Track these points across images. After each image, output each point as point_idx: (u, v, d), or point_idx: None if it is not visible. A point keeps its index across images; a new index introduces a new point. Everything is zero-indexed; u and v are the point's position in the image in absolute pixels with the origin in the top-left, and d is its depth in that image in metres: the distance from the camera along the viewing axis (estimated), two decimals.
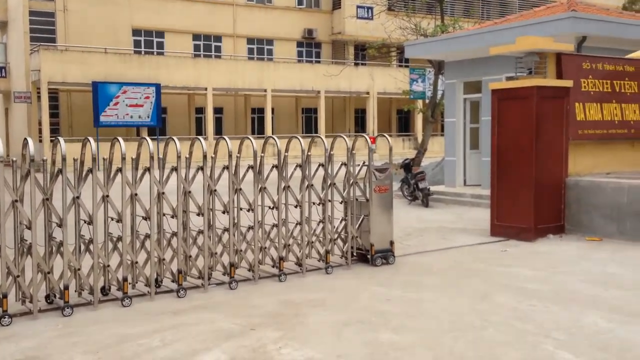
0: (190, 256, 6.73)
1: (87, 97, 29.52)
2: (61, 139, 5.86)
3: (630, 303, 5.90)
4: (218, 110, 35.58)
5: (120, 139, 6.24)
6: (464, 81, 15.22)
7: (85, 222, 6.02)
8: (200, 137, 6.98)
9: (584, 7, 14.36)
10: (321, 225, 7.58)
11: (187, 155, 6.72)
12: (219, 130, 35.24)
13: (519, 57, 9.93)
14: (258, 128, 37.24)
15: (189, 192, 6.62)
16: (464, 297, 6.18)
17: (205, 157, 6.61)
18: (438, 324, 5.33)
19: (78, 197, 5.90)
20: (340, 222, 7.79)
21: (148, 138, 6.35)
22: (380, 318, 5.51)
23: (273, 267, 7.21)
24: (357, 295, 6.33)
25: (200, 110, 34.84)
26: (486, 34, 13.89)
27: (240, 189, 6.87)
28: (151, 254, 6.34)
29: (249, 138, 7.15)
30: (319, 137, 7.73)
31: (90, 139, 6.04)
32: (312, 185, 7.39)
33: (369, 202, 7.69)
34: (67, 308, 5.72)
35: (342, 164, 7.68)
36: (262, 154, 7.21)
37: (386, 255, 7.77)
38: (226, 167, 6.80)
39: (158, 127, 29.92)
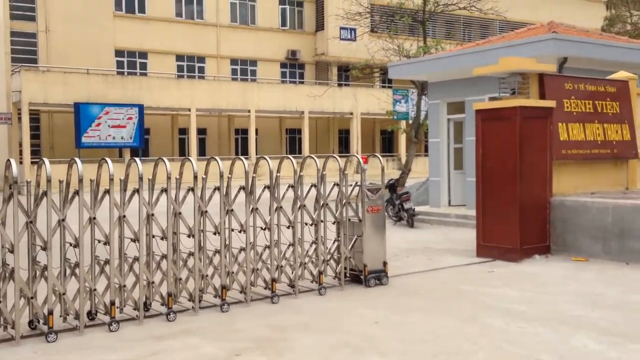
0: (181, 279, 6.60)
1: (68, 118, 29.26)
2: (46, 160, 5.75)
3: (618, 324, 5.86)
4: (201, 131, 35.45)
5: (108, 160, 6.13)
6: (447, 102, 15.31)
7: (71, 245, 5.89)
8: (190, 157, 6.89)
9: (564, 29, 14.57)
10: (314, 246, 7.51)
11: (178, 176, 6.62)
12: (202, 151, 35.09)
13: (502, 77, 10.00)
14: (242, 149, 37.14)
15: (179, 213, 6.51)
16: (452, 319, 6.10)
17: (195, 177, 6.50)
18: (426, 348, 5.24)
19: (63, 220, 5.77)
20: (333, 242, 7.73)
21: (137, 159, 6.28)
22: (368, 342, 5.41)
23: (265, 288, 7.11)
24: (344, 318, 6.23)
25: (183, 131, 34.68)
26: (469, 54, 14.02)
27: (232, 210, 6.78)
28: (140, 276, 6.21)
29: (240, 159, 7.09)
30: (312, 157, 7.74)
31: (77, 160, 5.91)
32: (304, 205, 7.33)
33: (361, 223, 7.65)
34: (51, 334, 5.55)
35: (334, 184, 7.65)
36: (254, 175, 7.14)
37: (379, 276, 7.72)
38: (217, 188, 6.73)
39: (141, 148, 29.71)
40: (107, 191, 5.93)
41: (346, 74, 38.41)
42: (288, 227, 7.27)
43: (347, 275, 7.76)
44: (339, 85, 38.46)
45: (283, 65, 39.95)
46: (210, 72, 36.96)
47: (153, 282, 6.42)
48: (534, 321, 5.97)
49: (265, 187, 7.16)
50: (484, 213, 9.72)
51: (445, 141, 15.28)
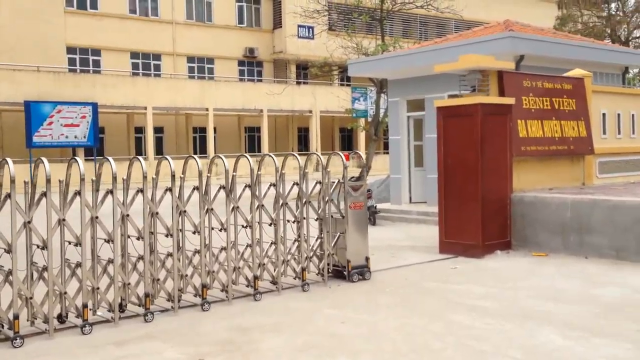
0: (159, 279, 6.49)
1: (19, 117, 28.28)
2: (9, 160, 5.49)
3: (582, 318, 5.93)
4: (158, 130, 34.80)
5: (78, 159, 5.95)
6: (407, 99, 15.37)
7: (38, 247, 5.67)
8: (167, 157, 6.74)
9: (520, 27, 14.79)
10: (295, 243, 7.53)
11: (154, 176, 6.49)
12: (159, 150, 34.46)
13: (463, 75, 10.06)
14: (200, 147, 36.64)
15: (157, 213, 6.39)
16: (418, 317, 6.07)
17: (173, 177, 6.37)
18: (394, 346, 5.18)
19: (29, 222, 5.55)
20: (316, 240, 7.75)
21: (111, 159, 6.12)
22: (335, 342, 5.32)
23: (247, 286, 7.11)
24: (311, 318, 6.12)
25: (139, 130, 33.99)
26: (428, 52, 14.09)
27: (212, 209, 6.72)
28: (115, 278, 6.04)
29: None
30: (294, 154, 7.83)
31: (44, 159, 5.65)
32: (286, 203, 7.35)
33: (344, 219, 7.70)
34: (17, 339, 5.34)
35: (316, 182, 7.72)
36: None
37: (362, 271, 7.82)
38: (196, 188, 6.65)
39: (95, 148, 28.97)
40: (78, 192, 5.76)
41: (305, 72, 38.35)
42: (270, 225, 7.24)
43: (330, 271, 7.80)
44: (298, 83, 38.34)
45: (241, 63, 39.59)
46: (167, 70, 36.32)
47: (129, 284, 6.25)
48: (499, 317, 5.99)
49: (245, 186, 7.12)
50: (446, 210, 9.76)
51: (405, 138, 15.34)
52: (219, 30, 38.24)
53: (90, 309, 5.92)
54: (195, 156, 7.10)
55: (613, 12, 33.53)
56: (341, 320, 6.04)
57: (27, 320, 5.77)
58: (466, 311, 6.24)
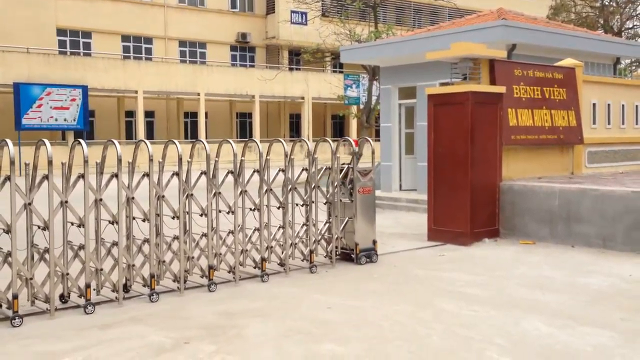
0: (164, 261, 6.56)
1: (8, 99, 28.01)
2: (9, 142, 5.49)
3: (567, 306, 5.97)
4: (149, 114, 34.61)
5: (82, 141, 5.99)
6: (398, 87, 15.34)
7: (39, 227, 5.71)
8: (175, 140, 6.82)
9: (513, 15, 14.76)
10: (304, 227, 7.69)
11: (160, 160, 6.53)
12: (150, 135, 34.29)
13: (454, 63, 10.03)
14: (191, 132, 36.49)
15: (163, 196, 6.45)
16: (406, 304, 6.09)
17: (180, 160, 6.48)
18: (381, 333, 5.19)
19: (30, 204, 5.59)
20: (325, 224, 7.93)
21: (116, 142, 6.23)
22: (321, 328, 5.33)
23: (255, 268, 7.27)
24: (298, 304, 6.13)
25: (130, 114, 33.77)
26: (421, 40, 14.05)
27: (220, 193, 6.82)
28: (119, 259, 6.10)
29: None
30: (304, 140, 8.07)
31: (46, 141, 5.73)
32: (295, 187, 7.52)
33: (353, 203, 7.88)
34: (16, 318, 5.40)
35: (325, 168, 7.97)
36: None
37: (370, 254, 8.04)
38: (204, 173, 6.71)
39: (85, 131, 28.78)
40: (82, 175, 5.80)
41: (297, 58, 38.17)
42: (279, 208, 7.40)
43: (338, 254, 7.99)
44: (290, 69, 38.17)
45: (233, 48, 39.34)
46: (158, 54, 36.04)
47: (134, 265, 6.32)
48: (486, 305, 6.02)
49: (254, 171, 7.23)
50: (435, 197, 9.77)
51: (396, 126, 15.33)
52: (212, 14, 37.93)
53: (93, 289, 6.02)
54: (203, 140, 7.22)
55: (606, 3, 33.53)
56: (328, 305, 6.04)
57: (28, 301, 5.83)
58: (454, 298, 6.27)
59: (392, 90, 15.37)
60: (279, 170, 7.69)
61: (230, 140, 7.27)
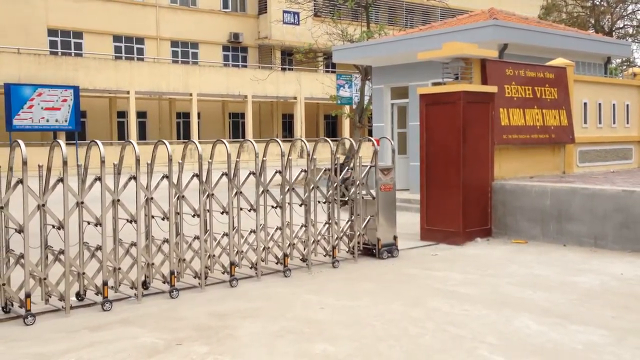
0: (184, 259, 6.79)
1: None
2: (21, 142, 5.55)
3: (558, 305, 5.99)
4: (141, 115, 34.51)
5: (99, 142, 6.06)
6: (391, 86, 15.37)
7: (54, 227, 5.81)
8: (195, 140, 6.97)
9: (504, 15, 14.82)
10: (326, 226, 7.99)
11: (180, 161, 6.80)
12: (142, 135, 34.20)
13: (446, 63, 10.05)
14: (184, 133, 36.40)
15: (183, 196, 6.65)
16: (398, 303, 6.10)
17: (200, 157, 6.77)
18: (373, 332, 5.20)
19: (44, 205, 5.68)
20: (347, 222, 8.30)
21: (134, 142, 6.37)
22: (313, 327, 5.33)
23: (277, 263, 7.51)
24: (290, 304, 6.12)
25: (122, 114, 33.66)
26: (412, 40, 14.08)
27: (241, 192, 7.05)
28: (138, 258, 6.25)
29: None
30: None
31: (60, 142, 5.80)
32: (317, 187, 7.81)
33: (375, 200, 8.25)
34: (29, 317, 5.46)
35: (347, 168, 8.51)
36: (265, 158, 7.35)
37: (391, 249, 8.38)
38: (225, 174, 6.92)
39: (77, 132, 28.65)
40: (98, 178, 5.92)
41: (290, 58, 38.16)
42: (300, 205, 7.66)
43: (360, 249, 8.30)
44: (283, 69, 38.15)
45: (225, 48, 39.28)
46: (150, 54, 35.94)
47: (153, 264, 6.46)
48: (478, 303, 6.04)
49: (276, 172, 7.51)
50: (428, 197, 9.79)
51: (389, 126, 15.35)
52: (204, 14, 37.86)
53: (111, 287, 6.11)
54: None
55: (597, 3, 33.70)
56: (320, 305, 6.05)
57: (42, 300, 5.88)
58: (446, 297, 6.28)
59: (385, 90, 15.40)
60: (301, 171, 7.95)
61: (252, 141, 7.61)
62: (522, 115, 10.55)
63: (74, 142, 27.75)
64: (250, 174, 7.29)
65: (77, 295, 6.16)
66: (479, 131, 9.70)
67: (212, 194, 6.78)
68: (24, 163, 5.41)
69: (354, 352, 4.74)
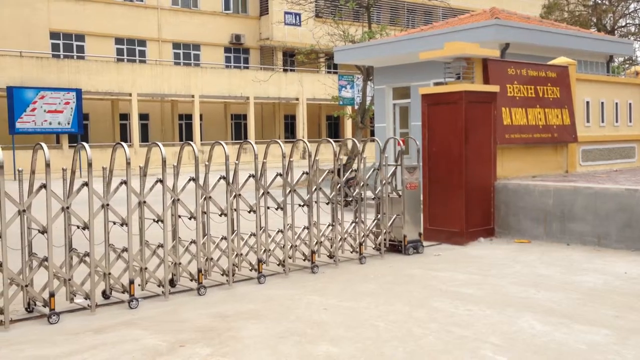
0: (212, 258, 7.02)
1: (1, 103, 27.93)
2: (44, 145, 5.67)
3: (561, 304, 5.98)
4: (144, 117, 34.55)
5: (124, 144, 6.20)
6: (393, 87, 15.36)
7: (78, 227, 5.94)
8: (222, 142, 7.14)
9: (506, 15, 14.81)
10: (351, 224, 8.31)
11: (207, 162, 6.91)
12: (144, 137, 34.23)
13: (447, 62, 10.04)
14: (186, 135, 36.43)
15: (209, 197, 6.84)
16: (401, 304, 6.09)
17: (227, 159, 7.14)
18: (377, 333, 5.19)
19: (68, 208, 5.83)
20: (373, 221, 8.59)
21: (160, 144, 6.43)
22: (316, 329, 5.32)
23: (305, 260, 7.76)
24: (293, 306, 6.12)
25: (124, 117, 33.70)
26: (414, 40, 14.07)
27: (268, 192, 7.30)
28: (165, 257, 6.41)
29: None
30: (351, 139, 8.76)
31: (85, 144, 5.96)
32: (344, 186, 8.20)
33: (401, 198, 8.59)
34: (53, 316, 5.58)
35: (374, 169, 8.81)
36: (291, 159, 7.58)
37: (416, 245, 8.72)
38: (252, 176, 7.18)
39: (79, 134, 28.70)
40: (124, 182, 6.05)
41: (291, 59, 38.17)
42: (327, 204, 8.06)
43: (386, 245, 8.61)
44: (285, 70, 38.17)
45: (227, 49, 39.31)
46: (152, 56, 35.98)
47: (180, 263, 6.65)
48: (481, 304, 6.02)
49: (303, 173, 7.79)
50: (430, 197, 9.78)
51: (391, 126, 15.35)
52: (205, 16, 37.90)
53: (138, 285, 6.27)
54: (251, 141, 7.59)
55: (599, 1, 33.64)
56: (323, 307, 6.04)
57: (67, 300, 6.00)
58: (449, 298, 6.27)
59: (386, 91, 15.39)
60: (328, 171, 8.28)
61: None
62: (524, 114, 10.53)
63: (77, 144, 27.79)
64: (277, 175, 7.53)
65: (103, 293, 6.31)
66: (481, 131, 9.68)
67: (239, 195, 7.11)
68: (47, 165, 5.51)
69: (357, 353, 4.73)
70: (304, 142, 8.36)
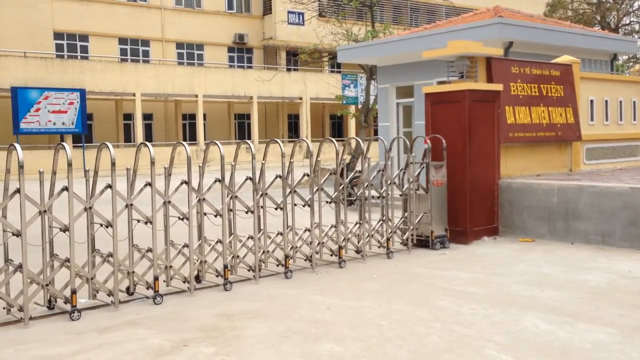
0: (238, 256, 7.16)
1: (5, 103, 28.00)
2: (66, 145, 5.74)
3: (565, 303, 5.96)
4: (147, 117, 34.59)
5: (148, 144, 6.36)
6: (396, 86, 15.34)
7: (101, 225, 6.06)
8: (248, 142, 7.31)
9: (509, 13, 14.78)
10: (379, 222, 8.54)
11: (232, 162, 7.09)
12: (149, 137, 34.28)
13: (451, 61, 10.02)
14: (190, 134, 36.47)
15: (236, 196, 6.98)
16: (405, 303, 6.08)
17: (253, 158, 7.17)
18: (380, 332, 5.19)
19: (91, 208, 5.93)
20: (401, 219, 8.85)
21: (185, 143, 6.57)
22: (319, 328, 5.32)
23: (332, 255, 7.99)
24: (297, 306, 6.12)
25: (128, 117, 33.75)
26: (417, 39, 14.05)
27: (295, 191, 7.39)
28: (190, 255, 6.52)
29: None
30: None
31: (109, 144, 6.04)
32: (371, 184, 8.42)
33: (428, 195, 8.87)
34: (75, 312, 5.68)
35: (401, 170, 9.08)
36: (319, 159, 8.05)
37: (443, 240, 9.00)
38: (279, 176, 7.28)
39: (84, 134, 28.75)
40: (149, 183, 6.17)
41: (295, 58, 38.13)
42: (355, 201, 8.52)
43: (413, 241, 8.90)
44: (288, 70, 38.17)
45: (230, 49, 39.31)
46: (155, 56, 36.02)
47: (205, 261, 6.80)
48: (485, 302, 6.01)
49: (329, 173, 8.37)
50: None
51: (394, 125, 15.34)
52: (209, 16, 37.91)
53: (163, 281, 6.41)
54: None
55: None
56: (326, 306, 6.04)
57: (90, 298, 6.10)
58: (453, 297, 6.26)
59: (390, 90, 15.38)
60: (356, 171, 8.32)
61: (307, 140, 8.19)
62: (528, 113, 10.50)
63: (81, 144, 27.86)
64: (304, 175, 7.71)
65: (126, 290, 6.39)
66: (485, 129, 9.66)
67: (266, 194, 7.19)
68: (69, 164, 5.59)
69: (360, 352, 4.73)
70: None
